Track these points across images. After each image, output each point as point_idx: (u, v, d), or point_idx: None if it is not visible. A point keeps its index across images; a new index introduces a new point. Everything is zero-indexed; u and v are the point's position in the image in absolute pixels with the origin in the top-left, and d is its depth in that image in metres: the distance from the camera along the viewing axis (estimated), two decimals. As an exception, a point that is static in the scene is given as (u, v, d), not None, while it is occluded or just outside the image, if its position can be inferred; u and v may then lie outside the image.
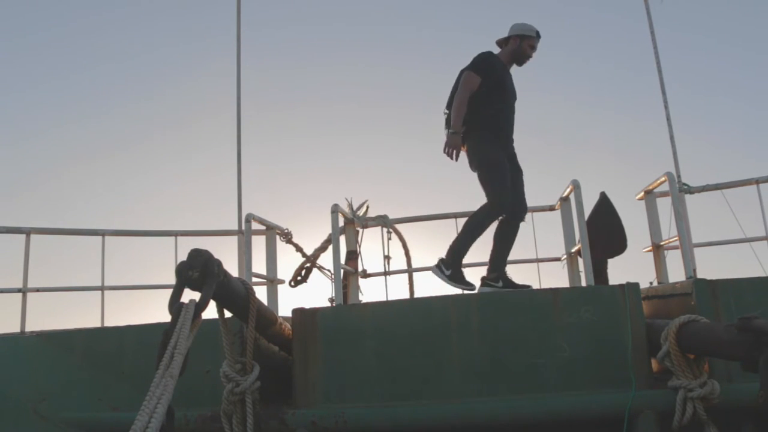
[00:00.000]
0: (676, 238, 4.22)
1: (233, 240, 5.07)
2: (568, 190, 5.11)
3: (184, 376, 2.04)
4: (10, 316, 4.34)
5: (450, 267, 4.04)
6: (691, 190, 4.76)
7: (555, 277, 5.25)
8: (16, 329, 4.31)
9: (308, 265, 5.33)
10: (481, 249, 4.23)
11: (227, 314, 2.79)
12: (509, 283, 4.13)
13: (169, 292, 2.32)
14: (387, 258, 5.52)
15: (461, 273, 4.08)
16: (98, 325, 4.47)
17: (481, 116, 4.15)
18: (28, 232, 4.52)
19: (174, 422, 2.16)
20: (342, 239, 5.23)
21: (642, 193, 4.72)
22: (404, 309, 3.40)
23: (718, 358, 2.81)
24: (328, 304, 4.87)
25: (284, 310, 4.76)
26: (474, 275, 4.23)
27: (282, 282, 5.09)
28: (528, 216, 4.45)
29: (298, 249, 5.24)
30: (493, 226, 4.19)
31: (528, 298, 3.34)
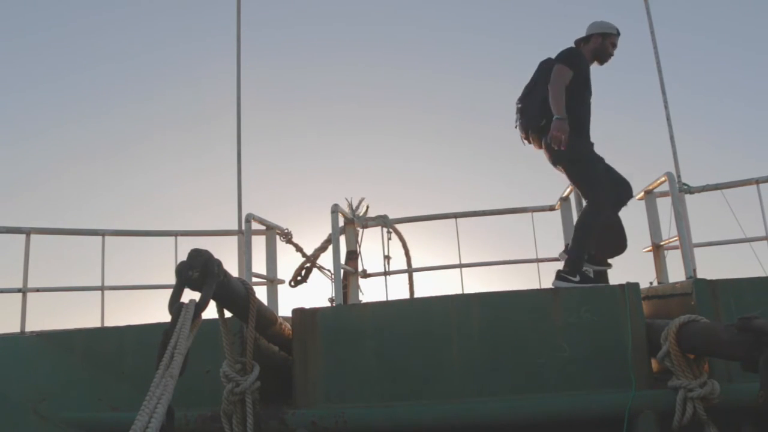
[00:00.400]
0: (676, 238, 4.21)
1: (233, 240, 5.07)
2: (568, 190, 5.12)
3: (184, 376, 2.03)
4: (10, 316, 4.34)
5: (575, 273, 3.96)
6: (691, 190, 4.75)
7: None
8: (16, 329, 4.31)
9: (308, 265, 5.33)
10: (481, 249, 4.23)
11: (227, 314, 2.79)
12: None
13: (169, 292, 2.31)
14: (387, 258, 5.52)
15: (586, 275, 4.04)
16: (98, 325, 4.47)
17: (570, 111, 4.01)
18: (28, 232, 4.52)
19: (174, 422, 2.16)
20: (342, 239, 5.23)
21: (642, 193, 4.72)
22: (404, 309, 3.40)
23: (718, 358, 2.80)
24: (328, 304, 4.87)
25: (284, 310, 4.76)
26: (473, 276, 4.24)
27: (282, 282, 5.08)
28: (528, 216, 4.44)
29: (298, 249, 5.23)
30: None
31: (528, 298, 3.33)
